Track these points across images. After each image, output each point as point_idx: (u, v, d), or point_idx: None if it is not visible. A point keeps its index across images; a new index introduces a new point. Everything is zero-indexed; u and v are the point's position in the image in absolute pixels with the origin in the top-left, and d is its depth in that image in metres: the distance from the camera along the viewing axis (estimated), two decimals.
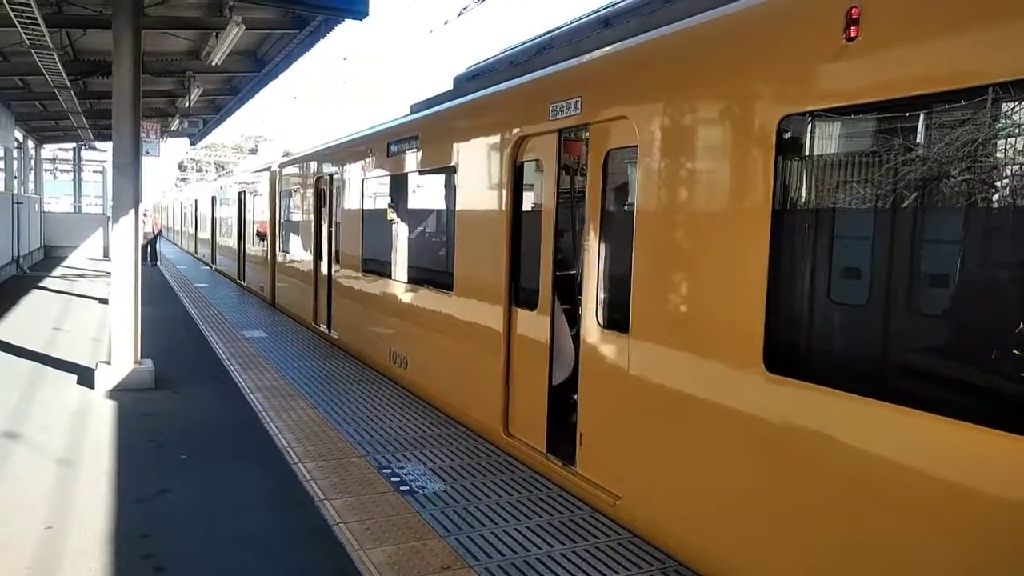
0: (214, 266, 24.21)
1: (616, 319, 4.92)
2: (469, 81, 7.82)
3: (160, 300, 15.11)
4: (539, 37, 6.92)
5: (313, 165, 12.34)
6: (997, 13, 2.77)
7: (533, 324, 5.77)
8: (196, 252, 30.17)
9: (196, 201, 30.06)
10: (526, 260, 5.95)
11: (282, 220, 14.72)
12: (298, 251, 13.36)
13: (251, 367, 9.19)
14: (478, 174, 6.61)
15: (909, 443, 3.00)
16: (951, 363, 3.22)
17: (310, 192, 12.36)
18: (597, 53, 5.20)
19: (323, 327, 11.59)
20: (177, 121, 19.33)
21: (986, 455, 2.75)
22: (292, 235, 13.77)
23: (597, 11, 6.12)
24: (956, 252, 3.29)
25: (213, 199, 24.14)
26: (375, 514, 4.81)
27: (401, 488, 5.27)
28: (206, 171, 60.63)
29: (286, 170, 14.42)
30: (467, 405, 6.85)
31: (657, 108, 4.42)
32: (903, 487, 3.02)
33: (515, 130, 5.96)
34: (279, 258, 14.82)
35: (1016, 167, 2.94)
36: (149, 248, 23.71)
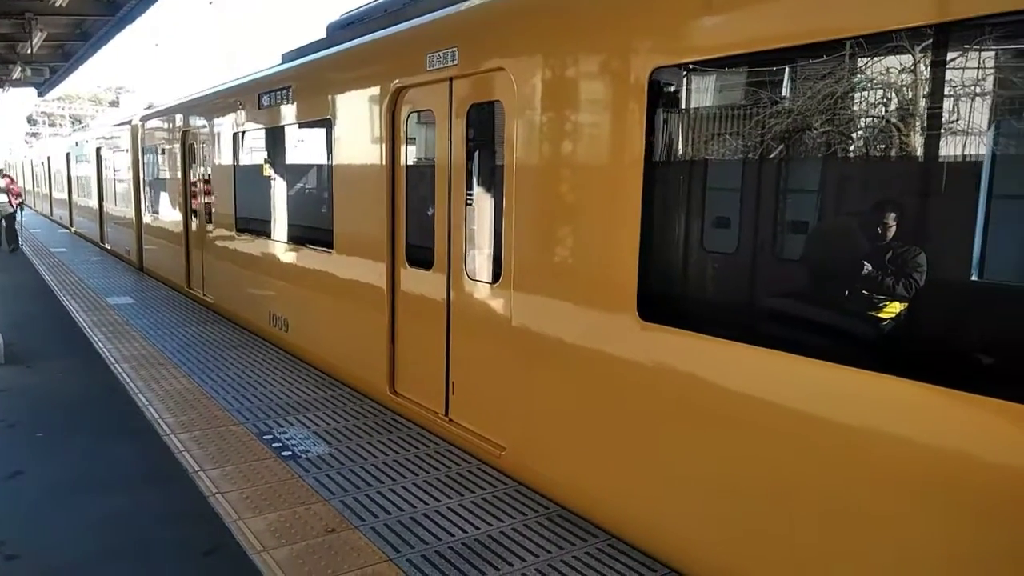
0: (72, 228, 22.40)
1: (492, 271, 4.92)
2: (343, 29, 7.45)
3: (11, 267, 13.82)
4: None
5: (179, 118, 11.51)
6: None
7: (421, 281, 5.66)
8: (51, 214, 27.81)
9: (49, 158, 27.53)
10: (411, 216, 5.81)
11: (147, 178, 13.72)
12: (167, 211, 12.51)
13: (117, 336, 8.58)
14: (355, 127, 6.35)
15: (775, 382, 3.17)
16: (810, 306, 3.41)
17: (177, 147, 11.54)
18: (474, 1, 5.05)
19: (197, 291, 10.98)
20: (19, 69, 17.40)
21: (847, 392, 2.92)
22: (160, 193, 12.86)
23: None
24: (815, 201, 3.46)
25: (68, 156, 22.21)
26: (255, 482, 4.63)
27: (283, 454, 5.10)
28: (61, 126, 55.69)
29: (149, 123, 13.39)
30: (352, 365, 6.69)
31: (535, 60, 4.35)
32: (771, 423, 3.20)
33: (394, 82, 5.74)
34: (146, 219, 13.85)
35: (870, 119, 3.10)
36: (4, 224, 16.82)
